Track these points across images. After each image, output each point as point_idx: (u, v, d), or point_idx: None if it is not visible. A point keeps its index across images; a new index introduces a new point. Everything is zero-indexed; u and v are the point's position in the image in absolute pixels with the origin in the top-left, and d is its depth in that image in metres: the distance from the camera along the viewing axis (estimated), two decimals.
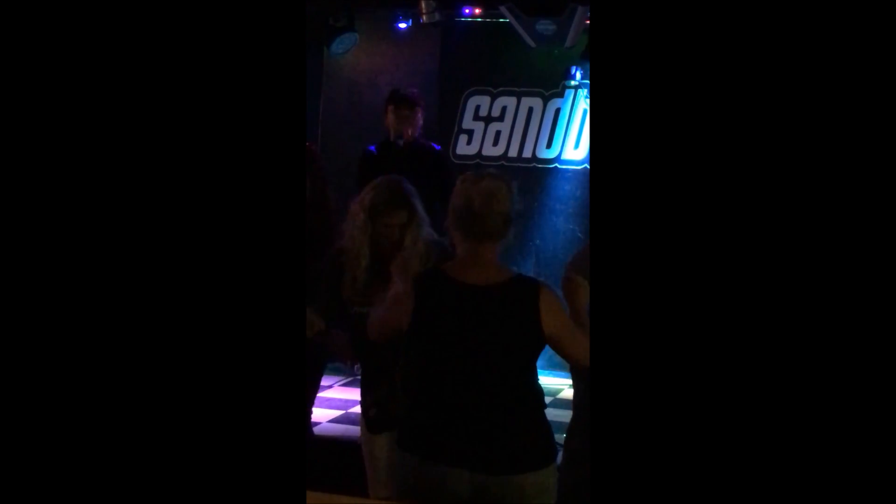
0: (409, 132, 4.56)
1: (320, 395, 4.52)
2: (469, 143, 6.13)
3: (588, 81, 5.89)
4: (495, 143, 6.08)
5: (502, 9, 5.40)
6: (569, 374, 3.56)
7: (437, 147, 5.17)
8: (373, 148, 4.64)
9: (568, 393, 4.42)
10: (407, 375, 2.49)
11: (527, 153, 6.04)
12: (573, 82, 5.84)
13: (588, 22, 5.43)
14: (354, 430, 3.82)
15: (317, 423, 4.42)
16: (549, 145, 6.00)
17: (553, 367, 4.41)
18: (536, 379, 2.36)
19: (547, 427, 2.34)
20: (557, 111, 5.99)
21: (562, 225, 5.94)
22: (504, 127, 6.11)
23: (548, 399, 2.73)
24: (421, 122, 4.73)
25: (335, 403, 4.63)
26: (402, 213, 2.62)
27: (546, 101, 6.05)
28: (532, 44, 5.47)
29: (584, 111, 6.00)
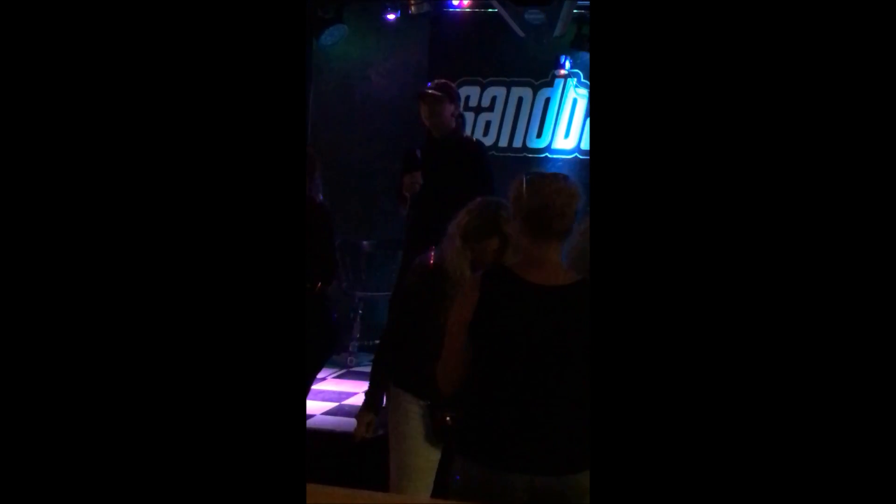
0: (438, 126, 4.36)
1: (314, 387, 4.49)
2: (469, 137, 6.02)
3: (578, 71, 5.91)
4: (486, 132, 6.08)
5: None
6: None
7: (476, 141, 5.16)
8: (418, 151, 4.41)
9: None
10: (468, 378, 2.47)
11: (517, 143, 6.05)
12: (563, 71, 5.83)
13: (577, 11, 5.40)
14: (348, 423, 3.77)
15: (311, 416, 4.42)
16: (539, 135, 6.00)
17: None
18: (586, 379, 2.32)
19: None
20: (547, 101, 5.99)
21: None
22: (494, 117, 6.11)
23: None
24: (451, 114, 4.45)
25: (329, 396, 4.65)
26: (495, 240, 2.65)
27: (536, 90, 6.04)
28: (521, 33, 5.47)
29: (574, 100, 5.99)
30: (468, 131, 5.84)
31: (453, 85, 4.63)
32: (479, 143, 5.07)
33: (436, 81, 4.72)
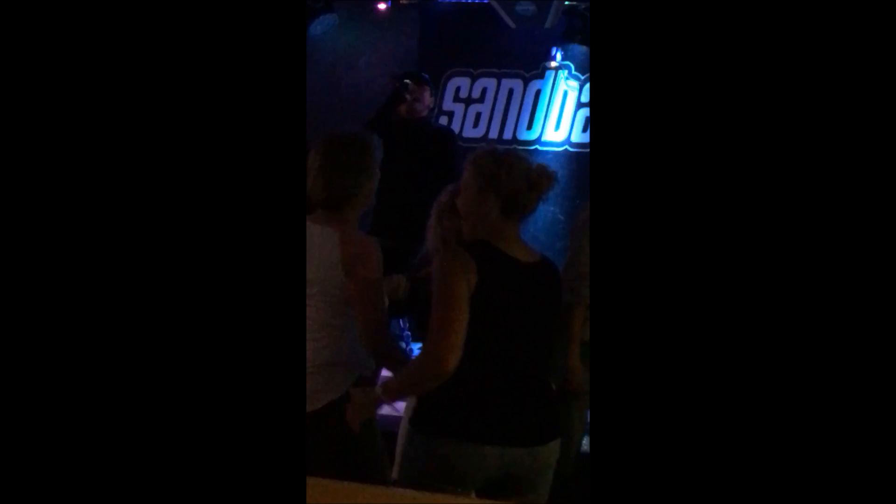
0: (411, 111, 4.61)
1: None
2: (449, 124, 6.04)
3: (569, 63, 5.85)
4: (476, 124, 6.00)
5: None
6: None
7: (447, 128, 5.46)
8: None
9: None
10: None
11: (507, 135, 5.96)
12: (553, 63, 5.81)
13: (568, 3, 5.39)
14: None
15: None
16: (529, 127, 5.94)
17: None
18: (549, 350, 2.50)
19: (555, 397, 2.51)
20: (538, 92, 5.93)
21: (542, 208, 5.80)
22: (484, 108, 6.04)
23: None
24: (424, 102, 4.73)
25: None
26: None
27: (526, 82, 5.99)
28: (512, 24, 5.35)
29: (565, 92, 5.94)
30: (458, 122, 6.02)
31: (426, 76, 4.87)
32: (448, 130, 5.37)
33: (410, 70, 5.06)
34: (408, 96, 4.67)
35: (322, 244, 2.58)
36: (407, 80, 4.74)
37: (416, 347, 3.84)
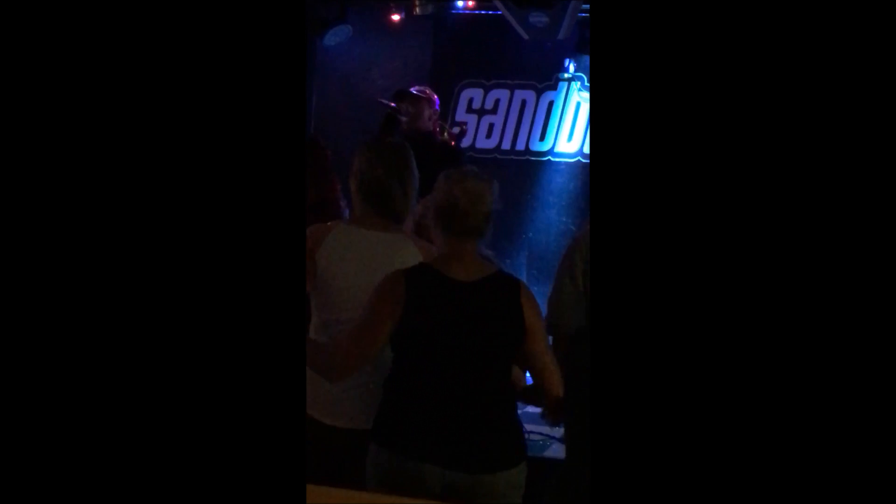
0: (416, 126, 4.69)
1: None
2: (463, 139, 6.03)
3: (582, 74, 5.79)
4: (488, 135, 5.98)
5: (495, 1, 5.17)
6: None
7: (454, 144, 5.31)
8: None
9: None
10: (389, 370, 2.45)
11: (520, 146, 5.94)
12: (566, 75, 5.78)
13: (582, 14, 5.27)
14: None
15: None
16: (542, 138, 5.90)
17: None
18: (510, 378, 2.35)
19: (519, 426, 2.35)
20: (551, 104, 5.88)
21: (554, 218, 5.86)
22: (497, 119, 5.99)
23: None
24: (428, 117, 4.83)
25: None
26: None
27: (539, 93, 5.93)
28: (525, 36, 5.24)
29: (578, 104, 5.89)
30: (471, 133, 5.99)
31: (425, 91, 4.94)
32: (455, 146, 5.23)
33: (402, 90, 5.05)
34: (402, 118, 4.73)
35: (395, 250, 2.57)
36: (395, 104, 4.81)
37: None
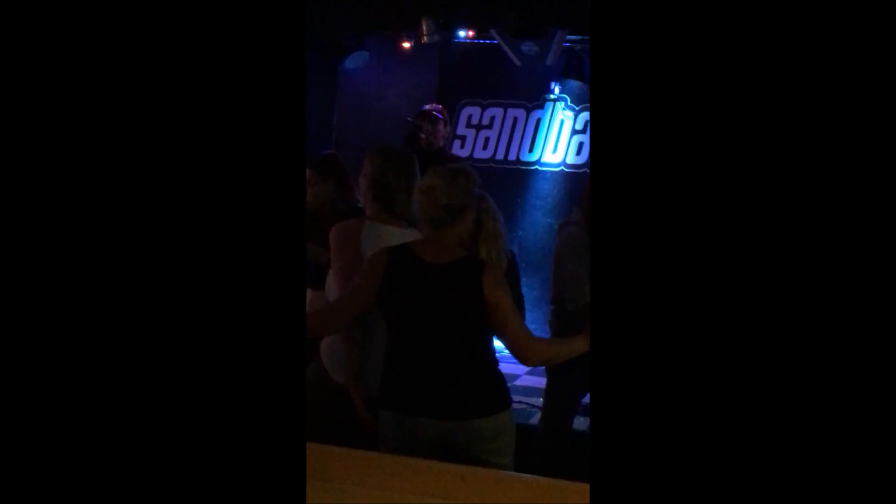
0: (432, 141, 4.99)
1: None
2: (462, 147, 6.43)
3: (565, 95, 6.25)
4: (485, 147, 6.39)
5: (493, 32, 5.66)
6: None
7: (457, 157, 5.62)
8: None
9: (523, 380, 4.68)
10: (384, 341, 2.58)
11: (511, 156, 6.37)
12: (552, 96, 6.21)
13: (566, 44, 5.71)
14: None
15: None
16: (530, 150, 6.32)
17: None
18: (490, 339, 2.47)
19: (500, 379, 2.47)
20: (538, 121, 6.31)
21: (540, 219, 6.18)
22: (492, 134, 6.41)
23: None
24: (442, 135, 5.12)
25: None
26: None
27: (529, 111, 6.36)
28: (518, 62, 5.78)
29: (562, 121, 6.29)
30: (470, 145, 6.45)
31: (440, 114, 5.18)
32: (458, 158, 5.59)
33: (432, 105, 5.38)
34: (422, 135, 5.01)
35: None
36: (419, 122, 5.06)
37: None
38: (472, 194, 2.47)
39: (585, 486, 1.75)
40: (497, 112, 6.45)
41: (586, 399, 3.70)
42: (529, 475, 2.17)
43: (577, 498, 1.88)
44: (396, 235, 2.70)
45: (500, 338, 2.50)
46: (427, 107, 5.39)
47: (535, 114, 6.34)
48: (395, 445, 2.42)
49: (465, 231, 2.52)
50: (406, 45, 6.18)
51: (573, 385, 3.50)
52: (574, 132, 6.33)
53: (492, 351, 2.52)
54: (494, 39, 5.75)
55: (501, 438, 2.44)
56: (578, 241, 3.34)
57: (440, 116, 5.17)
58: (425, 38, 5.79)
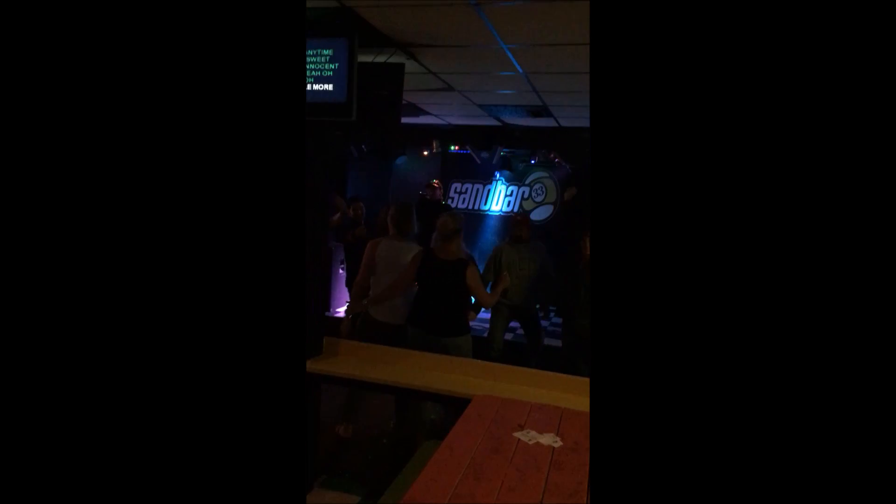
0: (431, 195, 6.92)
1: None
2: (453, 202, 8.58)
3: (503, 177, 8.41)
4: (463, 202, 8.74)
5: (468, 145, 7.57)
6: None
7: (446, 204, 7.31)
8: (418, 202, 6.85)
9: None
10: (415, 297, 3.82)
11: (475, 207, 8.69)
12: (496, 178, 8.56)
13: (502, 153, 7.47)
14: None
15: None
16: (484, 204, 8.72)
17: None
18: (468, 302, 3.77)
19: (465, 318, 3.78)
20: (488, 190, 8.74)
21: (489, 237, 8.37)
22: (467, 196, 8.73)
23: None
24: (438, 194, 7.00)
25: None
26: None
27: (484, 185, 8.77)
28: (479, 161, 7.88)
29: (499, 190, 8.53)
30: (456, 201, 8.51)
31: (437, 185, 6.95)
32: (446, 205, 7.26)
33: (433, 180, 7.12)
34: (427, 195, 6.78)
35: (411, 252, 3.89)
36: (426, 189, 6.84)
37: None
38: (459, 226, 3.62)
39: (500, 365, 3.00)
40: (469, 185, 8.72)
41: (513, 324, 5.32)
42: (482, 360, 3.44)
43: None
44: (403, 246, 3.88)
45: (472, 295, 3.77)
46: (431, 181, 7.23)
47: (487, 186, 8.73)
48: (416, 347, 3.57)
49: (457, 244, 3.65)
50: (425, 153, 8.14)
51: (498, 321, 5.18)
52: (505, 196, 8.63)
53: (467, 306, 3.78)
54: (467, 150, 7.65)
55: (465, 347, 3.72)
56: (505, 250, 4.99)
57: (437, 186, 6.97)
58: (435, 149, 7.73)
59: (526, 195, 8.55)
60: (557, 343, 5.44)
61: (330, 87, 3.12)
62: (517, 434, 2.45)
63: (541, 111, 5.59)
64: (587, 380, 3.23)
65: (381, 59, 3.48)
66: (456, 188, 8.84)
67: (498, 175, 8.61)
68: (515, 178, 8.63)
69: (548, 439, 2.43)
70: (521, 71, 4.01)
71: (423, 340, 3.73)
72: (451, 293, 3.69)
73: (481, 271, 4.76)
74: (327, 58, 3.12)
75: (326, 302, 6.34)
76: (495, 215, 8.71)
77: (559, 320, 6.73)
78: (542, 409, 2.75)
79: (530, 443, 2.38)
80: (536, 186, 8.51)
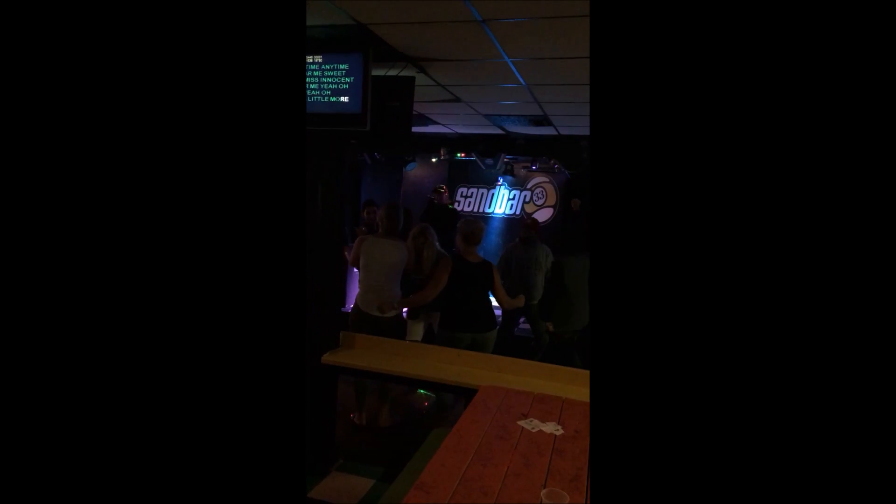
0: (439, 200, 7.09)
1: None
2: (459, 206, 8.61)
3: (506, 182, 8.37)
4: (469, 206, 8.77)
5: (472, 152, 7.54)
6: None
7: (453, 208, 7.41)
8: (428, 205, 7.20)
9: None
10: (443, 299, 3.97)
11: (480, 210, 8.70)
12: (500, 182, 8.55)
13: (506, 160, 7.58)
14: None
15: None
16: (489, 207, 8.73)
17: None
18: (489, 298, 3.96)
19: (494, 315, 3.96)
20: (493, 194, 8.71)
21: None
22: (473, 200, 8.76)
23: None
24: (445, 198, 7.14)
25: None
26: (422, 239, 4.12)
27: (489, 189, 8.73)
28: (483, 168, 7.85)
29: (504, 194, 8.53)
30: (461, 205, 8.53)
31: (444, 190, 7.10)
32: (453, 209, 7.35)
33: (440, 185, 7.26)
34: (435, 199, 6.93)
35: (395, 249, 4.04)
36: (433, 194, 6.97)
37: None
38: (479, 235, 3.87)
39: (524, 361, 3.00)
40: (474, 190, 8.74)
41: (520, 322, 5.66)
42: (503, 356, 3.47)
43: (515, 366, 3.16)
44: (389, 244, 4.00)
45: (493, 295, 3.95)
46: (439, 187, 7.38)
47: (491, 191, 8.71)
48: (444, 345, 3.72)
49: (476, 248, 3.91)
50: (434, 160, 8.24)
51: (510, 319, 5.63)
52: (508, 200, 8.65)
53: (490, 303, 3.95)
54: (473, 157, 7.66)
55: (491, 342, 3.88)
56: (516, 250, 5.43)
57: (443, 191, 7.15)
58: (443, 156, 7.83)
59: (528, 199, 8.53)
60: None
61: (346, 99, 3.19)
62: (521, 422, 2.51)
63: (542, 120, 5.66)
64: (585, 372, 3.31)
65: (393, 72, 3.57)
66: (462, 192, 8.92)
67: (501, 180, 8.70)
68: (517, 183, 8.65)
69: (550, 427, 2.49)
70: (523, 83, 4.11)
71: (450, 340, 3.85)
72: (483, 292, 3.92)
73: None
74: (343, 72, 3.19)
75: (343, 298, 6.43)
76: (499, 218, 8.79)
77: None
78: (545, 399, 2.81)
79: (533, 430, 2.44)
80: (538, 190, 8.51)
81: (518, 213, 8.56)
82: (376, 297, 4.04)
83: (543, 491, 1.88)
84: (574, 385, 3.30)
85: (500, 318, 4.99)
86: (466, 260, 3.91)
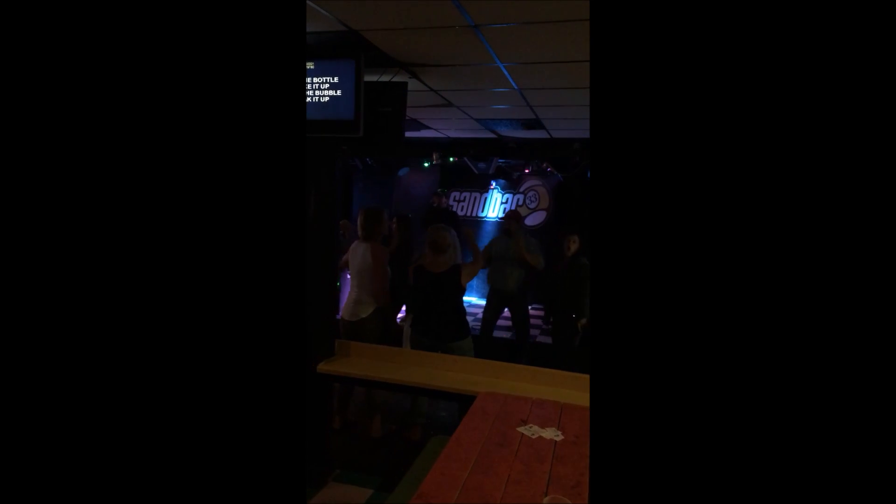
0: (438, 204, 7.43)
1: None
2: (451, 209, 8.45)
3: (498, 185, 8.55)
4: (462, 210, 8.84)
5: (465, 158, 7.55)
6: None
7: (452, 210, 7.70)
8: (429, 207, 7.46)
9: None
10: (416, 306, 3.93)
11: (473, 213, 8.85)
12: (492, 186, 8.71)
13: (499, 163, 7.53)
14: None
15: None
16: (482, 211, 8.87)
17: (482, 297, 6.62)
18: (462, 303, 3.84)
19: (466, 322, 3.85)
20: (485, 198, 8.85)
21: (484, 240, 8.07)
22: (466, 203, 8.88)
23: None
24: (444, 202, 7.51)
25: None
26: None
27: (481, 193, 8.88)
28: (476, 171, 7.90)
29: (496, 198, 8.65)
30: (455, 208, 8.64)
31: (441, 193, 7.29)
32: (453, 212, 7.62)
33: (439, 190, 7.56)
34: (435, 203, 7.30)
35: (369, 252, 4.07)
36: (435, 198, 7.40)
37: None
38: (453, 240, 3.80)
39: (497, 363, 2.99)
40: (467, 193, 8.90)
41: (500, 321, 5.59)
42: (483, 359, 3.46)
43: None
44: (367, 247, 4.02)
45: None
46: (437, 191, 7.80)
47: (484, 195, 8.89)
48: (416, 348, 3.74)
49: (451, 255, 3.81)
50: (426, 164, 8.25)
51: (490, 317, 5.58)
52: (501, 203, 8.79)
53: (464, 308, 3.81)
54: (466, 161, 7.65)
55: (467, 347, 3.82)
56: (496, 242, 5.48)
57: (442, 195, 7.75)
58: (435, 160, 7.71)
59: (520, 202, 8.56)
60: (548, 340, 5.70)
61: (339, 105, 3.14)
62: (520, 429, 2.46)
63: (534, 124, 5.64)
64: (584, 376, 3.25)
65: (385, 78, 3.53)
66: (455, 196, 8.97)
67: (494, 184, 8.75)
68: (510, 186, 8.68)
69: (550, 433, 2.43)
70: (516, 87, 4.07)
71: (427, 346, 3.81)
72: (449, 301, 3.78)
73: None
74: (336, 78, 3.15)
75: (336, 306, 6.36)
76: (492, 221, 8.84)
77: (541, 306, 7.41)
78: (543, 405, 2.76)
79: (533, 437, 2.38)
80: (530, 194, 8.54)
81: None
82: (353, 300, 4.08)
83: (546, 499, 1.84)
84: (571, 389, 3.27)
85: (478, 326, 5.28)
86: (429, 271, 3.84)
